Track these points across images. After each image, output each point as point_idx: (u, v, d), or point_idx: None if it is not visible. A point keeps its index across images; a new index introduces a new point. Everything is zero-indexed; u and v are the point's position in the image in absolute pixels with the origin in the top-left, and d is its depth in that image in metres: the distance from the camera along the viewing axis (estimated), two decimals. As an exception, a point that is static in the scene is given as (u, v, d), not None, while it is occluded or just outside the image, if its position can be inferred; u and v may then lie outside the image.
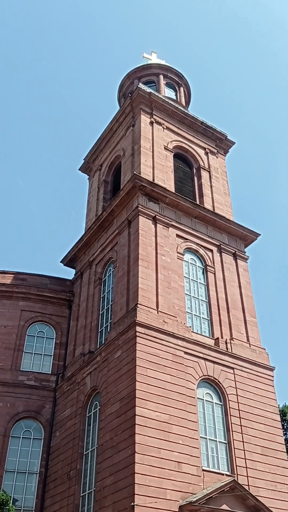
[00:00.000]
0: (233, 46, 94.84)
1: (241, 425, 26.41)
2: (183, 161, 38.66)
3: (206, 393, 26.79)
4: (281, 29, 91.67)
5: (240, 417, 26.66)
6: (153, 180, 33.13)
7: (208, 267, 32.35)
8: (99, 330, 31.43)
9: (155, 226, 30.99)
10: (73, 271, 38.00)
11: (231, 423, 26.22)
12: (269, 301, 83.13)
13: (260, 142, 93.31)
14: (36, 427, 30.89)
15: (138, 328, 25.62)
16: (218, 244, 33.83)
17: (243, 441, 25.93)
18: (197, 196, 36.65)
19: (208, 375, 27.07)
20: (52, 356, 33.53)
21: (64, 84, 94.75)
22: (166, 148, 36.80)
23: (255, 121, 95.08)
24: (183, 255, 31.66)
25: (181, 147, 38.55)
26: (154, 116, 37.74)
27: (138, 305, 26.60)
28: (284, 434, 35.49)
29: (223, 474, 24.37)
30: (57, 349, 33.81)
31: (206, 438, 25.24)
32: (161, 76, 46.17)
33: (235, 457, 25.22)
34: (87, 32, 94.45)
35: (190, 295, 30.60)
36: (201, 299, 31.01)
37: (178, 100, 45.18)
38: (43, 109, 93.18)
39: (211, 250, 33.30)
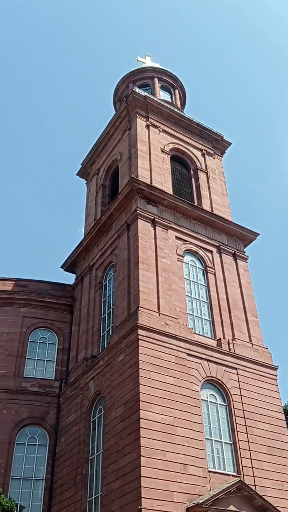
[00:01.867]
0: (227, 45, 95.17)
1: (246, 425, 26.40)
2: (180, 163, 38.75)
3: (210, 394, 26.79)
4: (276, 28, 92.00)
5: (244, 417, 26.65)
6: (151, 183, 33.19)
7: (208, 268, 32.38)
8: (101, 334, 31.44)
9: (154, 229, 31.04)
10: (73, 276, 38.03)
11: (236, 423, 26.22)
12: (270, 299, 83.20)
13: (256, 141, 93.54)
14: (41, 434, 30.84)
15: (140, 331, 25.64)
16: (217, 245, 33.88)
17: (248, 441, 25.92)
18: (195, 197, 36.72)
19: (212, 376, 27.07)
20: (55, 362, 33.49)
21: (59, 89, 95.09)
22: (163, 151, 36.89)
23: (251, 120, 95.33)
24: (183, 256, 31.70)
25: (177, 149, 38.64)
26: (150, 119, 37.85)
27: (140, 308, 26.62)
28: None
29: (229, 475, 24.35)
30: (59, 355, 33.78)
31: (211, 439, 25.23)
32: (156, 79, 46.29)
33: (240, 457, 25.21)
34: (82, 37, 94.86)
35: (191, 297, 30.63)
36: (202, 300, 31.03)
37: (174, 103, 45.29)
38: (38, 114, 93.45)
39: (211, 251, 33.34)
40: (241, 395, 27.34)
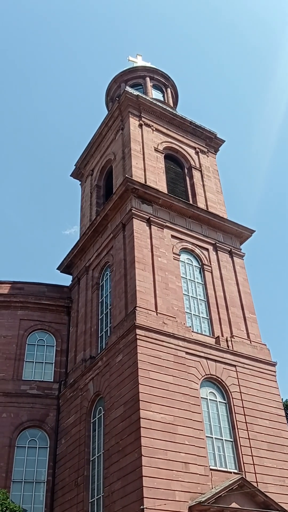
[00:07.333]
0: (219, 43, 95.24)
1: (246, 422, 26.42)
2: (174, 161, 38.74)
3: (210, 392, 26.79)
4: (264, 26, 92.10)
5: (244, 414, 26.67)
6: (145, 182, 33.15)
7: (204, 266, 32.38)
8: (99, 335, 31.39)
9: (150, 228, 31.01)
10: (70, 277, 37.97)
11: (236, 420, 26.24)
12: (267, 295, 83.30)
13: (249, 137, 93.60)
14: (41, 436, 30.78)
15: (138, 331, 25.61)
16: (213, 242, 33.88)
17: (249, 438, 25.94)
18: (190, 196, 36.71)
19: (211, 374, 27.08)
20: (54, 364, 33.44)
21: (51, 90, 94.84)
22: (156, 150, 36.86)
23: (244, 116, 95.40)
24: (179, 255, 31.68)
25: (171, 148, 38.62)
26: (143, 119, 37.82)
27: (137, 308, 26.58)
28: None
29: (230, 472, 24.37)
30: (58, 357, 33.72)
31: (212, 437, 25.23)
32: (148, 78, 46.27)
33: (241, 454, 25.23)
34: (72, 37, 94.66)
35: (189, 295, 30.62)
36: (199, 299, 31.02)
37: (166, 101, 45.28)
38: (30, 115, 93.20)
39: (207, 249, 33.34)
40: (240, 392, 27.35)
